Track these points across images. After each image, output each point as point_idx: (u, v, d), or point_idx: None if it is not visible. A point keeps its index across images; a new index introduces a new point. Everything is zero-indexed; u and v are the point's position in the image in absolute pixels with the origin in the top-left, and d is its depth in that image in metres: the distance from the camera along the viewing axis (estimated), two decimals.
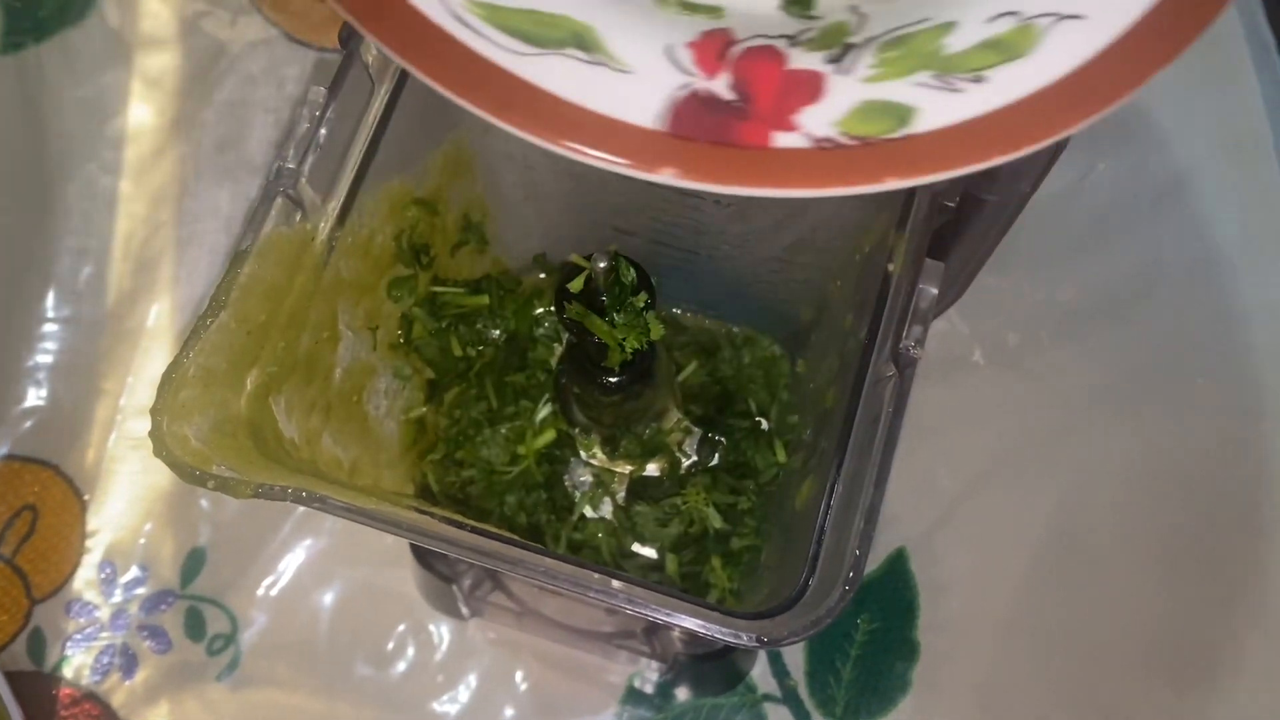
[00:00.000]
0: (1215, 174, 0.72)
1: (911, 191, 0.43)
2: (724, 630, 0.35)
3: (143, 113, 0.74)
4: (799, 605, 0.37)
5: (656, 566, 0.57)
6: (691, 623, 0.36)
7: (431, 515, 0.39)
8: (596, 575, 0.37)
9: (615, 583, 0.37)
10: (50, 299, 0.70)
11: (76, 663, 0.64)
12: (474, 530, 0.38)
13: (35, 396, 0.68)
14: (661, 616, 0.36)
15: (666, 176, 0.27)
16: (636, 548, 0.57)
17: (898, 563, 0.65)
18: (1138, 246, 0.71)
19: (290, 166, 0.40)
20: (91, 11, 0.75)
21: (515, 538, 0.39)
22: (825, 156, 0.28)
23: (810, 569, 0.38)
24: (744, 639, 0.35)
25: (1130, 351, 0.69)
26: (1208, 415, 0.68)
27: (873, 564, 0.65)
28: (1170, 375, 0.69)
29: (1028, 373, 0.69)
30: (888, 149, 0.28)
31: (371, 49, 0.43)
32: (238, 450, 0.39)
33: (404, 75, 0.45)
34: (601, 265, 0.41)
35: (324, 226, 0.43)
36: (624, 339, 0.44)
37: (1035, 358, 0.69)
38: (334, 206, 0.43)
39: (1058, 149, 0.48)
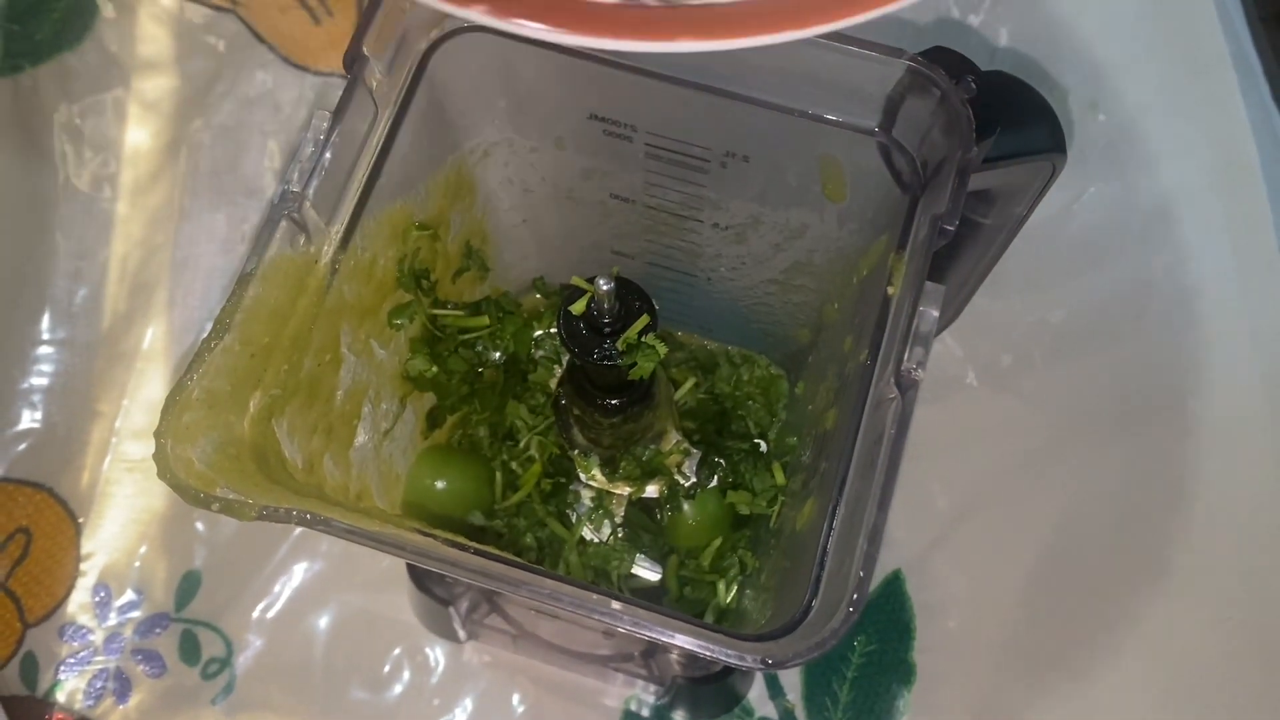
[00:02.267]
0: (1204, 197, 0.73)
1: (910, 215, 0.43)
2: (728, 652, 0.36)
3: (139, 135, 0.74)
4: (803, 627, 0.37)
5: (656, 588, 0.58)
6: (695, 644, 0.36)
7: (435, 538, 0.39)
8: (600, 597, 0.37)
9: (618, 604, 0.37)
10: (45, 321, 0.70)
11: (70, 687, 0.63)
12: (477, 553, 0.38)
13: (30, 419, 0.68)
14: (665, 638, 0.36)
15: (475, 13, 0.29)
16: (636, 569, 0.57)
17: (894, 585, 0.65)
18: (1128, 269, 0.72)
19: (295, 189, 0.40)
20: (89, 34, 0.75)
21: (518, 560, 0.39)
22: (629, 12, 0.29)
23: (813, 591, 0.38)
24: (748, 661, 0.35)
25: (1122, 372, 0.70)
26: (1198, 434, 0.68)
27: (868, 587, 0.65)
28: (1161, 396, 0.69)
29: (1021, 394, 0.69)
30: (687, 13, 0.29)
31: (375, 73, 0.43)
32: (242, 473, 0.39)
33: (407, 99, 0.45)
34: (604, 287, 0.42)
35: (327, 250, 0.43)
36: (634, 364, 0.44)
37: (1028, 379, 0.70)
38: (337, 230, 0.43)
39: (1052, 174, 0.49)
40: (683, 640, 0.36)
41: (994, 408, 0.69)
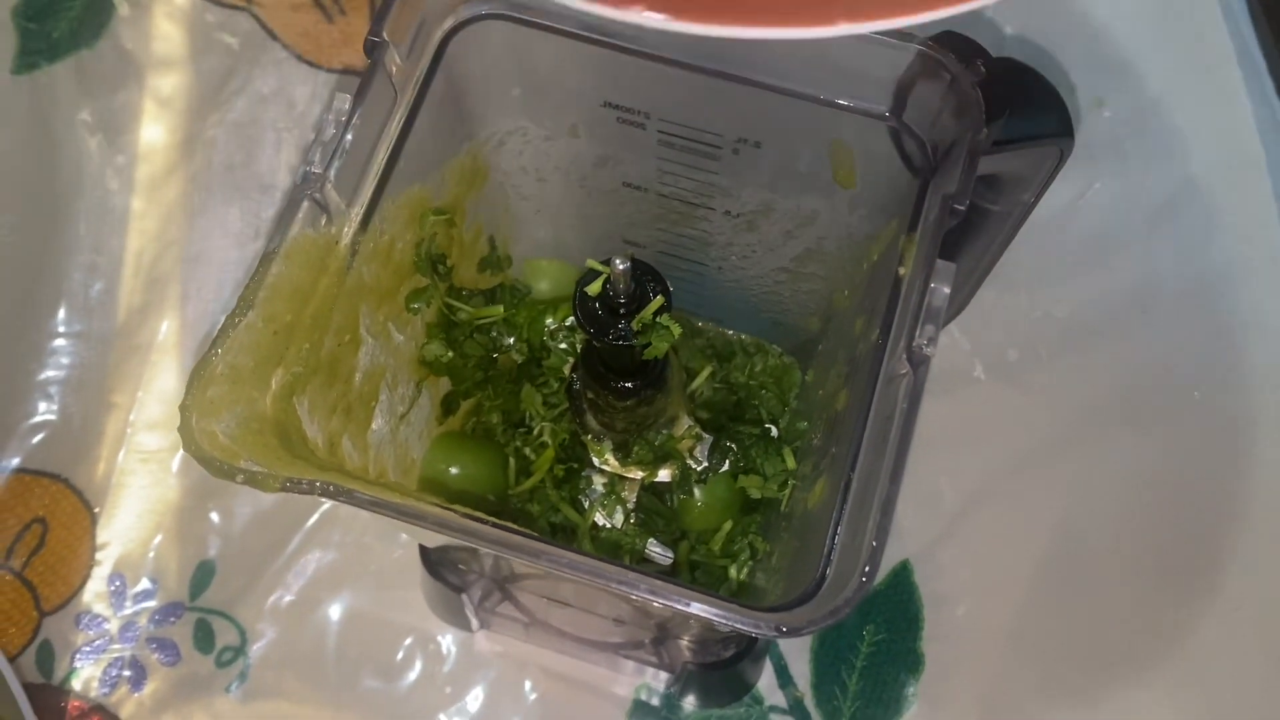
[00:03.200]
0: (1210, 193, 0.73)
1: (921, 197, 0.44)
2: (743, 620, 0.36)
3: (154, 132, 0.75)
4: (817, 597, 0.37)
5: (669, 571, 0.58)
6: (710, 613, 0.36)
7: (455, 511, 0.39)
8: (616, 568, 0.37)
9: (634, 574, 0.37)
10: (61, 314, 0.71)
11: (85, 675, 0.64)
12: (496, 526, 0.39)
13: (46, 410, 0.69)
14: (681, 606, 0.36)
15: (634, 13, 0.29)
16: (649, 553, 0.58)
17: (902, 575, 0.66)
18: (1134, 263, 0.72)
19: (316, 171, 0.41)
20: (105, 33, 0.76)
21: (535, 534, 0.39)
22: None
23: (826, 561, 0.38)
24: (763, 628, 0.36)
25: (1128, 366, 0.70)
26: (1204, 428, 0.69)
27: (878, 576, 0.66)
28: (1167, 389, 0.70)
29: (1028, 387, 0.70)
30: None
31: (395, 59, 0.44)
32: (265, 448, 0.39)
33: (425, 85, 0.46)
34: (620, 266, 0.42)
35: (347, 231, 0.44)
36: (647, 344, 0.44)
37: (1035, 373, 0.70)
38: (357, 212, 0.44)
39: (1060, 160, 0.50)
40: (698, 609, 0.36)
41: (1001, 401, 0.70)
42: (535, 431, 0.59)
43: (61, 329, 0.71)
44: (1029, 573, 0.66)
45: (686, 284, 0.61)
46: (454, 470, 0.56)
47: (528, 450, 0.59)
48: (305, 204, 0.41)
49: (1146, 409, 0.69)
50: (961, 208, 0.40)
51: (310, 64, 0.77)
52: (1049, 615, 0.65)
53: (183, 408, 0.38)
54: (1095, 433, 0.69)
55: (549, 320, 0.59)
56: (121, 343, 0.71)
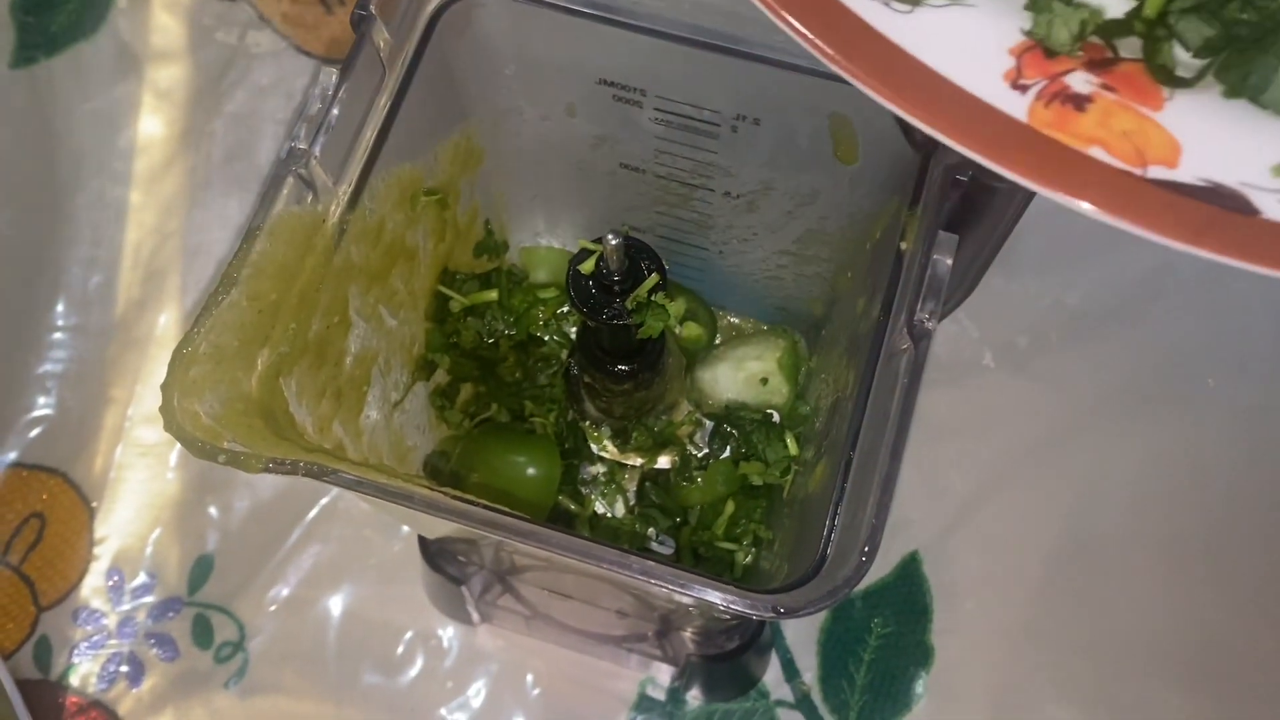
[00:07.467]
0: None
1: (923, 171, 0.43)
2: (740, 601, 0.35)
3: (153, 124, 0.75)
4: (817, 578, 0.36)
5: (669, 559, 0.57)
6: (707, 593, 0.35)
7: (443, 493, 0.38)
8: (612, 549, 0.36)
9: (629, 555, 0.36)
10: (60, 308, 0.70)
11: (83, 671, 0.63)
12: (486, 507, 0.38)
13: (44, 404, 0.68)
14: (677, 587, 0.35)
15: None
16: (649, 541, 0.57)
17: (911, 566, 0.65)
18: (1145, 249, 0.70)
19: (301, 146, 0.40)
20: (103, 25, 0.76)
21: (527, 516, 0.38)
22: None
23: (827, 541, 0.37)
24: (760, 609, 0.35)
25: (1140, 353, 0.69)
26: (1218, 416, 0.67)
27: (886, 568, 0.65)
28: (1180, 377, 0.68)
29: (1038, 375, 0.69)
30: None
31: (384, 34, 0.43)
32: (249, 429, 0.38)
33: (415, 61, 0.45)
34: (613, 242, 0.41)
35: (335, 209, 0.43)
36: (643, 322, 0.43)
37: (1045, 360, 0.69)
38: (345, 190, 0.43)
39: None
40: (696, 591, 0.35)
41: (1011, 389, 0.68)
42: (539, 422, 0.57)
43: (60, 322, 0.70)
44: (1040, 563, 0.65)
45: (688, 269, 0.60)
46: (531, 471, 0.54)
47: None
48: (290, 180, 0.40)
49: (1159, 396, 0.68)
50: (964, 178, 0.39)
51: (309, 55, 0.76)
52: (1061, 606, 0.64)
53: (164, 386, 0.37)
54: (1107, 421, 0.68)
55: (542, 309, 0.58)
56: (120, 336, 0.70)
